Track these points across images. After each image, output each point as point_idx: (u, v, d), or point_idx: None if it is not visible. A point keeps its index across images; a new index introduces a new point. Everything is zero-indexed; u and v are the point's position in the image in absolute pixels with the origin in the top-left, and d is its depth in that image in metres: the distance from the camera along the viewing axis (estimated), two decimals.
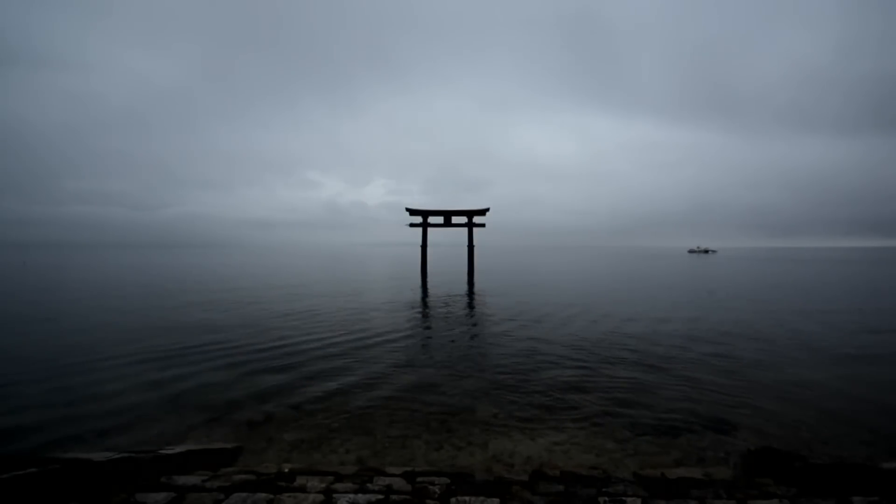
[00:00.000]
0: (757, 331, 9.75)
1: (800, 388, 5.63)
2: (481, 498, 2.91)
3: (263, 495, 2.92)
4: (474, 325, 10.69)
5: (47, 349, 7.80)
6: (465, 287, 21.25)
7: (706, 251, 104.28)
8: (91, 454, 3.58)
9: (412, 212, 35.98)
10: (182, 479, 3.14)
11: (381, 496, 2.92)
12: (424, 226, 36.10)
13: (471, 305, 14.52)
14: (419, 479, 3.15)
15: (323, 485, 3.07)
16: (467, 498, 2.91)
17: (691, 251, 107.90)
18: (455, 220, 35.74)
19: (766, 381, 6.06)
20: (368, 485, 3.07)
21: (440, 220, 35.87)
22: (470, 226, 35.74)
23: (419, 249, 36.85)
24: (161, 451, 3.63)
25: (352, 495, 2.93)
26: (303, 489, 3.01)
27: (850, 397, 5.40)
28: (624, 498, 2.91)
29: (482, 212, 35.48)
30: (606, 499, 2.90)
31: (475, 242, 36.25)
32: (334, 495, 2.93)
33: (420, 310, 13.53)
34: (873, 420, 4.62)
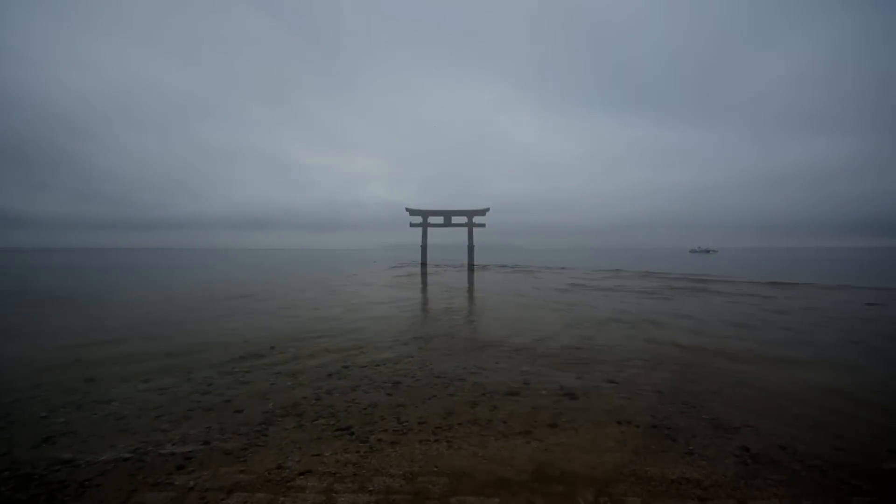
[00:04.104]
0: None
1: None
2: (481, 498, 2.92)
3: (263, 495, 2.93)
4: (474, 323, 10.71)
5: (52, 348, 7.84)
6: (465, 286, 21.31)
7: (707, 251, 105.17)
8: (91, 454, 3.59)
9: (412, 212, 36.06)
10: (182, 479, 3.15)
11: (380, 496, 2.93)
12: (424, 226, 36.15)
13: (471, 303, 14.59)
14: (419, 479, 3.16)
15: (323, 485, 3.08)
16: (467, 498, 2.91)
17: (692, 251, 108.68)
18: (455, 219, 35.85)
19: None
20: (368, 485, 3.08)
21: (440, 219, 35.97)
22: (470, 226, 35.82)
23: (419, 249, 36.93)
24: (161, 452, 3.63)
25: (352, 495, 2.94)
26: (303, 489, 3.01)
27: None
28: (624, 498, 2.92)
29: (482, 212, 35.57)
30: (606, 499, 2.91)
31: (475, 243, 36.35)
32: (334, 495, 2.94)
33: (420, 309, 13.57)
34: None
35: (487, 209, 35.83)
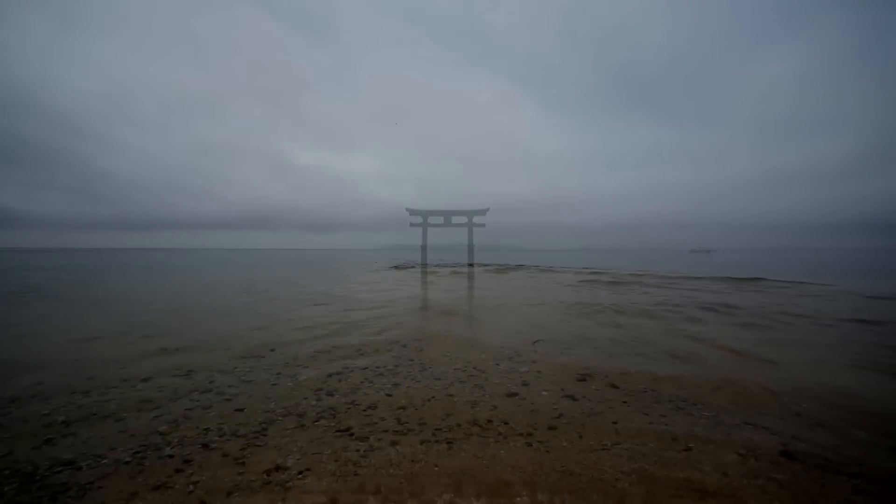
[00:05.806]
0: None
1: None
2: (482, 499, 2.92)
3: (263, 495, 2.93)
4: (475, 321, 10.72)
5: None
6: (465, 287, 21.34)
7: (707, 251, 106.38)
8: (92, 454, 3.59)
9: (412, 212, 36.08)
10: (183, 479, 3.15)
11: (381, 496, 2.93)
12: (424, 226, 36.20)
13: (471, 301, 14.64)
14: (419, 479, 3.16)
15: (323, 485, 3.07)
16: (468, 499, 2.91)
17: (693, 251, 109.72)
18: (455, 219, 35.88)
19: None
20: (368, 485, 3.08)
21: (440, 219, 36.00)
22: (470, 226, 35.88)
23: (419, 250, 36.91)
24: (162, 452, 3.64)
25: (352, 495, 2.94)
26: (303, 490, 3.02)
27: None
28: (624, 498, 2.92)
29: (482, 212, 35.61)
30: (607, 498, 2.91)
31: (475, 242, 36.37)
32: (335, 496, 2.94)
33: (419, 309, 13.59)
34: None
35: (487, 209, 35.96)
